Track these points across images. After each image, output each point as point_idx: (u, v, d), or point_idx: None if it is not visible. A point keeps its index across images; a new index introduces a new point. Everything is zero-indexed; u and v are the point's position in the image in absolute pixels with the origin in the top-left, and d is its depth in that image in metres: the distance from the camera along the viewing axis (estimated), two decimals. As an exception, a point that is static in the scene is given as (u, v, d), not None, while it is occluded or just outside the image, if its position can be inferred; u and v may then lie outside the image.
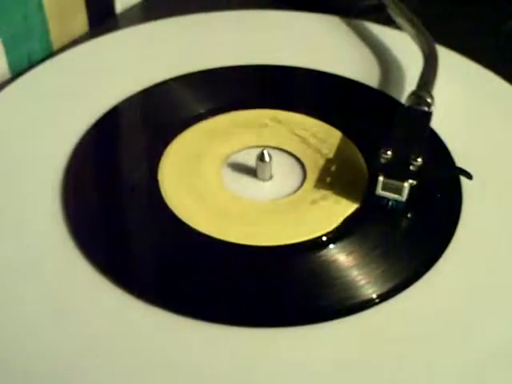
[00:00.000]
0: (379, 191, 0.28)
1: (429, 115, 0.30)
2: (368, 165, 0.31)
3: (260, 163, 0.30)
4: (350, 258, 0.27)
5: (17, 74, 0.38)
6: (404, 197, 0.28)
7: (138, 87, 0.35)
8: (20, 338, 0.24)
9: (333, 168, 0.31)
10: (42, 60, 0.39)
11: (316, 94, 0.36)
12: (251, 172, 0.31)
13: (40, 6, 0.39)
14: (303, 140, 0.32)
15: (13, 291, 0.26)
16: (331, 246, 0.27)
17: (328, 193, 0.29)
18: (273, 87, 0.36)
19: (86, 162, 0.31)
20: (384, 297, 0.25)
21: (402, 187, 0.28)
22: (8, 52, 0.38)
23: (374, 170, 0.29)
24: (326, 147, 0.32)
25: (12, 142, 0.32)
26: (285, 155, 0.32)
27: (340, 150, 0.32)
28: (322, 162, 0.31)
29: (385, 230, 0.28)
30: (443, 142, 0.32)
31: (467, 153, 0.31)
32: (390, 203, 0.29)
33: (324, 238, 0.28)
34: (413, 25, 0.36)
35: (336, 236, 0.28)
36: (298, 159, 0.32)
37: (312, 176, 0.30)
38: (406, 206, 0.28)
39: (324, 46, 0.39)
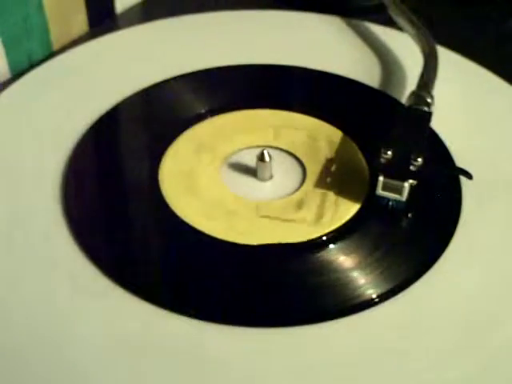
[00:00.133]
0: (379, 191, 0.28)
1: (429, 115, 0.30)
2: (369, 165, 0.31)
3: (260, 163, 0.30)
4: (350, 258, 0.27)
5: (17, 74, 0.38)
6: (404, 197, 0.28)
7: (138, 87, 0.35)
8: (20, 338, 0.24)
9: (333, 168, 0.31)
10: (42, 60, 0.39)
11: (316, 94, 0.36)
12: (251, 172, 0.31)
13: (40, 6, 0.39)
14: (303, 140, 0.32)
15: (13, 291, 0.26)
16: (331, 246, 0.27)
17: (328, 193, 0.29)
18: (273, 87, 0.36)
19: (86, 162, 0.31)
20: (384, 297, 0.25)
21: (403, 187, 0.28)
22: (8, 52, 0.38)
23: (374, 169, 0.29)
24: (326, 147, 0.32)
25: (12, 142, 0.32)
26: (285, 155, 0.32)
27: (340, 149, 0.32)
28: (322, 161, 0.31)
29: (385, 230, 0.28)
30: (443, 142, 0.32)
31: (467, 153, 0.31)
32: (391, 203, 0.29)
33: (324, 238, 0.28)
34: (413, 25, 0.36)
35: (336, 236, 0.28)
36: (298, 159, 0.32)
37: (312, 176, 0.30)
38: (406, 206, 0.28)
39: (324, 46, 0.39)
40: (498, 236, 0.28)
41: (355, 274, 0.26)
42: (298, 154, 0.32)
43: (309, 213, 0.29)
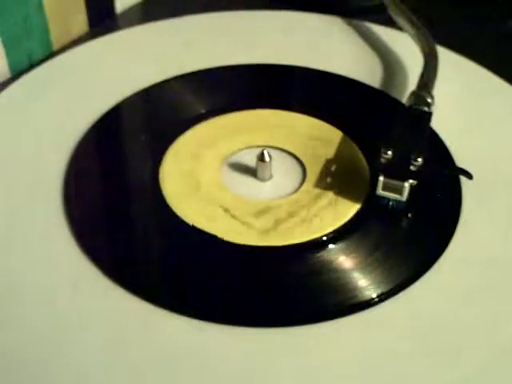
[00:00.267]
0: (379, 191, 0.28)
1: (429, 115, 0.30)
2: (369, 165, 0.31)
3: (260, 163, 0.30)
4: (350, 258, 0.27)
5: (17, 73, 0.38)
6: (404, 197, 0.28)
7: (138, 87, 0.35)
8: (20, 338, 0.24)
9: (333, 168, 0.31)
10: (42, 60, 0.39)
11: (316, 94, 0.36)
12: (251, 172, 0.31)
13: (40, 6, 0.39)
14: (303, 140, 0.32)
15: (14, 292, 0.26)
16: (331, 246, 0.27)
17: (328, 193, 0.29)
18: (273, 87, 0.36)
19: (87, 163, 0.31)
20: (384, 297, 0.25)
21: (403, 187, 0.28)
22: (8, 52, 0.38)
23: (375, 169, 0.29)
24: (326, 147, 0.32)
25: (12, 143, 0.32)
26: (285, 155, 0.32)
27: (340, 149, 0.32)
28: (322, 161, 0.31)
29: (385, 230, 0.28)
30: (443, 142, 0.32)
31: (467, 153, 0.31)
32: (391, 203, 0.29)
33: (325, 239, 0.28)
34: (413, 25, 0.36)
35: (337, 236, 0.28)
36: (298, 159, 0.32)
37: (312, 176, 0.30)
38: (407, 205, 0.28)
39: (324, 46, 0.39)
40: (498, 236, 0.28)
41: (355, 274, 0.26)
42: (297, 154, 0.32)
43: (309, 213, 0.29)
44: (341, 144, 0.32)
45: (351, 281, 0.26)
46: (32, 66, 0.38)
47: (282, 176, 0.31)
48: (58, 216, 0.28)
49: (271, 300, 0.26)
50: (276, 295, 0.26)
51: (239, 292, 0.26)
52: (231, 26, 0.41)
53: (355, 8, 0.44)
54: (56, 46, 0.41)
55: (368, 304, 0.25)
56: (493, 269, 0.27)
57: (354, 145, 0.32)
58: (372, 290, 0.26)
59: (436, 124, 0.31)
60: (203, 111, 0.34)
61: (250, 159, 0.31)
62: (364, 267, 0.26)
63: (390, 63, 0.38)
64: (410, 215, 0.29)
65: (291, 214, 0.29)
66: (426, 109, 0.30)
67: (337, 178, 0.30)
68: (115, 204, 0.30)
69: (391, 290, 0.26)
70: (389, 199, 0.29)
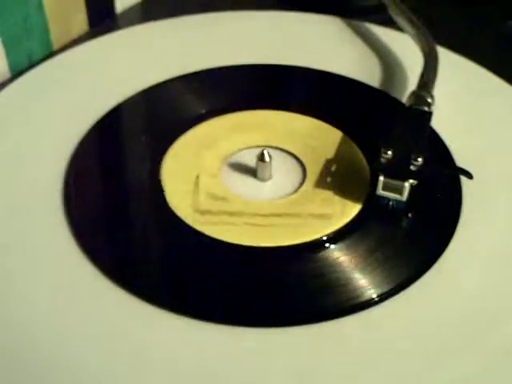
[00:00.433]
0: (380, 191, 0.28)
1: (429, 115, 0.30)
2: (369, 165, 0.31)
3: (260, 163, 0.30)
4: (351, 258, 0.27)
5: (17, 73, 0.38)
6: (405, 197, 0.28)
7: (138, 87, 0.35)
8: (20, 339, 0.24)
9: (333, 168, 0.31)
10: (42, 60, 0.39)
11: (316, 94, 0.36)
12: (251, 172, 0.31)
13: (40, 6, 0.39)
14: (303, 140, 0.32)
15: (14, 292, 0.26)
16: (332, 246, 0.27)
17: (328, 193, 0.29)
18: (273, 87, 0.36)
19: (87, 163, 0.31)
20: (384, 297, 0.25)
21: (403, 187, 0.28)
22: (8, 52, 0.38)
23: (375, 169, 0.29)
24: (326, 147, 0.32)
25: (12, 142, 0.32)
26: (285, 155, 0.32)
27: (340, 150, 0.32)
28: (322, 161, 0.31)
29: (385, 230, 0.28)
30: (443, 142, 0.32)
31: (467, 152, 0.31)
32: (391, 203, 0.29)
33: (325, 239, 0.28)
34: (413, 25, 0.36)
35: (337, 237, 0.28)
36: (298, 159, 0.32)
37: (312, 176, 0.30)
38: (407, 205, 0.28)
39: (325, 46, 0.39)
40: (498, 236, 0.28)
41: (355, 274, 0.26)
42: (298, 154, 0.32)
43: (309, 213, 0.29)
44: (341, 144, 0.32)
45: (351, 281, 0.26)
46: (32, 65, 0.38)
47: (282, 176, 0.31)
48: (58, 216, 0.28)
49: (271, 300, 0.26)
50: (276, 295, 0.26)
51: (239, 292, 0.26)
52: (231, 25, 0.41)
53: (355, 8, 0.44)
54: (56, 46, 0.41)
55: (368, 304, 0.25)
56: (493, 268, 0.27)
57: (354, 145, 0.32)
58: (372, 290, 0.26)
59: (436, 124, 0.31)
60: (203, 111, 0.34)
61: (250, 159, 0.31)
62: (364, 267, 0.26)
63: (389, 63, 0.38)
64: (410, 215, 0.29)
65: (291, 214, 0.29)
66: (426, 109, 0.30)
67: (337, 177, 0.30)
68: (115, 204, 0.30)
69: (391, 289, 0.26)
70: (389, 199, 0.29)
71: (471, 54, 0.37)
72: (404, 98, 0.32)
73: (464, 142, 0.32)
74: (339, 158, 0.31)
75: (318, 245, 0.27)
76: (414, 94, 0.31)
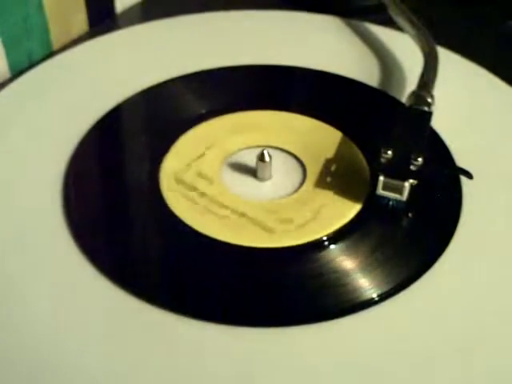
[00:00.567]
0: (380, 191, 0.28)
1: (429, 115, 0.30)
2: (369, 164, 0.31)
3: (260, 163, 0.30)
4: (351, 258, 0.27)
5: (17, 73, 0.38)
6: (404, 196, 0.28)
7: (138, 87, 0.35)
8: (20, 339, 0.24)
9: (333, 168, 0.31)
10: (42, 60, 0.39)
11: (316, 94, 0.36)
12: (251, 172, 0.31)
13: (40, 6, 0.39)
14: (303, 140, 0.32)
15: (14, 292, 0.26)
16: (332, 246, 0.27)
17: (328, 193, 0.29)
18: (273, 87, 0.36)
19: (87, 163, 0.31)
20: (384, 297, 0.25)
21: (403, 187, 0.28)
22: (8, 52, 0.38)
23: (375, 169, 0.29)
24: (326, 147, 0.32)
25: (12, 142, 0.32)
26: (285, 155, 0.32)
27: (340, 150, 0.32)
28: (322, 161, 0.31)
29: (385, 230, 0.28)
30: (443, 142, 0.32)
31: (467, 152, 0.31)
32: (391, 203, 0.29)
33: (325, 239, 0.28)
34: (413, 25, 0.36)
35: (337, 236, 0.28)
36: (298, 159, 0.32)
37: (312, 176, 0.30)
38: (407, 205, 0.28)
39: (325, 46, 0.39)
40: (499, 236, 0.28)
41: (355, 274, 0.26)
42: (298, 154, 0.32)
43: (309, 213, 0.29)
44: (341, 144, 0.32)
45: (351, 281, 0.26)
46: (32, 65, 0.38)
47: (281, 176, 0.31)
48: (58, 217, 0.28)
49: (271, 300, 0.26)
50: (276, 295, 0.26)
51: (239, 292, 0.26)
52: (231, 26, 0.41)
53: (355, 8, 0.44)
54: (56, 46, 0.41)
55: (368, 304, 0.25)
56: (493, 268, 0.27)
57: (354, 145, 0.32)
58: (372, 290, 0.26)
59: (436, 124, 0.31)
60: (203, 111, 0.34)
61: (250, 159, 0.31)
62: (364, 267, 0.26)
63: (389, 63, 0.38)
64: (410, 215, 0.29)
65: (291, 215, 0.29)
66: (426, 109, 0.30)
67: (337, 177, 0.30)
68: (115, 205, 0.30)
69: (391, 289, 0.26)
70: (389, 199, 0.29)
71: (471, 53, 0.37)
72: (404, 98, 0.32)
73: (464, 142, 0.32)
74: (339, 157, 0.31)
75: (318, 245, 0.27)
76: (413, 93, 0.31)
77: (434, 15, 0.41)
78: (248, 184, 0.30)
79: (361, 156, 0.31)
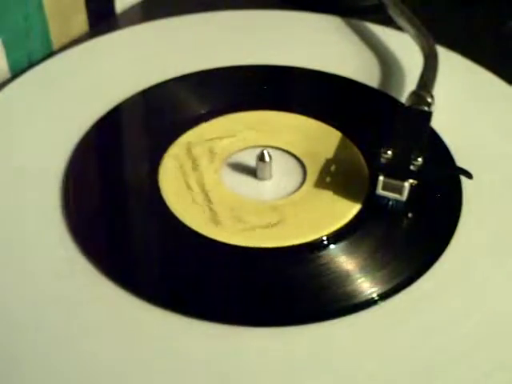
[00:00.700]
0: (379, 191, 0.28)
1: (429, 115, 0.30)
2: (369, 165, 0.31)
3: (260, 163, 0.30)
4: (351, 258, 0.27)
5: (17, 73, 0.38)
6: (404, 196, 0.28)
7: (138, 87, 0.35)
8: (20, 339, 0.24)
9: (333, 168, 0.31)
10: (42, 60, 0.39)
11: (316, 95, 0.36)
12: (251, 172, 0.31)
13: (40, 6, 0.39)
14: (303, 140, 0.32)
15: (13, 293, 0.26)
16: (332, 246, 0.27)
17: (328, 193, 0.29)
18: (273, 88, 0.36)
19: (86, 163, 0.31)
20: (384, 296, 0.25)
21: (403, 187, 0.28)
22: (8, 52, 0.38)
23: (375, 169, 0.29)
24: (326, 147, 0.32)
25: (11, 142, 0.32)
26: (285, 155, 0.32)
27: (340, 150, 0.32)
28: (322, 161, 0.31)
29: (385, 230, 0.28)
30: (443, 142, 0.32)
31: (467, 152, 0.31)
32: (391, 203, 0.29)
33: (325, 239, 0.28)
34: (413, 25, 0.36)
35: (337, 236, 0.28)
36: (298, 159, 0.32)
37: (312, 176, 0.30)
38: (407, 205, 0.28)
39: (324, 46, 0.39)
40: (499, 236, 0.28)
41: (355, 274, 0.26)
42: (298, 154, 0.32)
43: (309, 213, 0.29)
44: (340, 144, 0.32)
45: (351, 281, 0.26)
46: (32, 65, 0.38)
47: (282, 176, 0.31)
48: (57, 217, 0.28)
49: (271, 300, 0.26)
50: (276, 295, 0.26)
51: (239, 292, 0.26)
52: (231, 25, 0.41)
53: (355, 8, 0.44)
54: (56, 46, 0.41)
55: (368, 304, 0.25)
56: (493, 268, 0.27)
57: (354, 145, 0.32)
58: (372, 289, 0.26)
59: (436, 124, 0.31)
60: (203, 112, 0.34)
61: (250, 159, 0.31)
62: (364, 267, 0.26)
63: (389, 63, 0.38)
64: (409, 215, 0.29)
65: (291, 214, 0.29)
66: (425, 108, 0.30)
67: (337, 177, 0.30)
68: (114, 205, 0.30)
69: (391, 289, 0.26)
70: (389, 199, 0.29)
71: (471, 54, 0.37)
72: (403, 98, 0.32)
73: (464, 142, 0.32)
74: (339, 158, 0.31)
75: (318, 245, 0.27)
76: (413, 93, 0.31)
77: (434, 15, 0.41)
78: (248, 184, 0.30)
79: (360, 156, 0.31)
